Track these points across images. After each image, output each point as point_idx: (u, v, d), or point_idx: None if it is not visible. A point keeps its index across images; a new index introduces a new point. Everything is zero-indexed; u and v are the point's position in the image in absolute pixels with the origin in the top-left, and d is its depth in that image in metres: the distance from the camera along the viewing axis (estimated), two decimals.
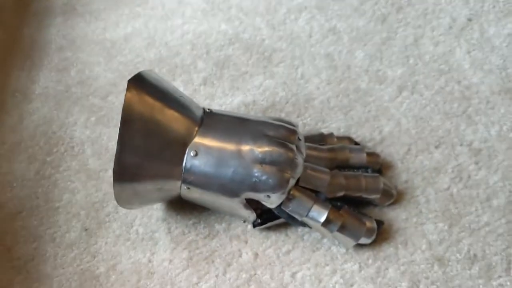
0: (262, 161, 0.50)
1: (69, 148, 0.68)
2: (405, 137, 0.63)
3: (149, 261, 0.56)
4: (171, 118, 0.52)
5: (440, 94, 0.67)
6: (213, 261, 0.56)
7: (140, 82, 0.51)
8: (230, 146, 0.51)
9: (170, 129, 0.51)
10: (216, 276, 0.54)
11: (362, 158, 0.59)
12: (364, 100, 0.68)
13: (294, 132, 0.53)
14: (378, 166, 0.60)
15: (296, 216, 0.53)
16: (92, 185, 0.63)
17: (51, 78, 0.76)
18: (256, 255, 0.56)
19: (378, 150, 0.63)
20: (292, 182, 0.52)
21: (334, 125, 0.66)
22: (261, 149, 0.51)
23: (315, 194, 0.53)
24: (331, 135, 0.62)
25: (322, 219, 0.52)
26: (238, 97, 0.70)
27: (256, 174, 0.50)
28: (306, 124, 0.66)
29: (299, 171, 0.52)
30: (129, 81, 0.50)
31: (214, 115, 0.55)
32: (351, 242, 0.54)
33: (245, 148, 0.51)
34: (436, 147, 0.62)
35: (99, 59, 0.78)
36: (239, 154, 0.51)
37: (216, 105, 0.70)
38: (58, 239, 0.59)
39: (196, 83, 0.72)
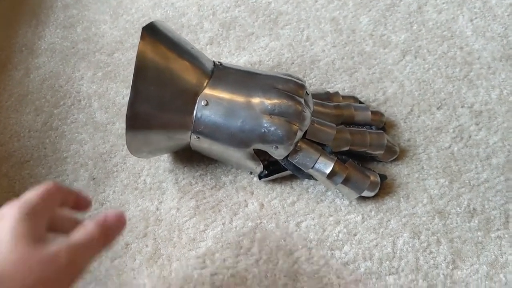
0: (271, 112, 0.52)
1: (76, 101, 0.68)
2: (408, 99, 0.65)
3: (157, 209, 0.57)
4: (183, 68, 0.52)
5: (442, 59, 0.69)
6: (219, 210, 0.57)
7: (153, 31, 0.52)
8: (240, 98, 0.52)
9: (182, 78, 0.52)
10: (223, 224, 0.56)
11: (367, 116, 0.60)
12: (369, 62, 0.69)
13: (302, 86, 0.54)
14: (382, 125, 0.61)
15: (302, 168, 0.54)
16: (99, 137, 0.64)
17: (57, 35, 0.77)
18: (261, 205, 0.57)
19: (382, 110, 0.64)
20: (299, 134, 0.53)
21: (339, 86, 0.67)
22: (270, 101, 0.52)
23: (321, 148, 0.55)
24: (336, 93, 0.63)
25: (328, 170, 0.54)
26: (244, 56, 0.71)
27: (265, 125, 0.51)
28: (311, 84, 0.67)
29: (306, 123, 0.53)
30: (143, 29, 0.51)
31: (225, 68, 0.55)
32: (354, 194, 0.56)
33: (255, 99, 0.52)
34: (438, 108, 0.64)
35: (105, 17, 0.78)
36: (248, 105, 0.52)
37: None
38: None
39: (203, 43, 0.73)
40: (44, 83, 0.71)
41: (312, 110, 0.56)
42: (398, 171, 0.59)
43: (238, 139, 0.53)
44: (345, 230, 0.55)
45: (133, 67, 0.49)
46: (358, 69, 0.68)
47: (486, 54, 0.69)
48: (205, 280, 0.52)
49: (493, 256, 0.52)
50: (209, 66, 0.55)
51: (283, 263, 0.53)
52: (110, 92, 0.69)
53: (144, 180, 0.60)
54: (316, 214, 0.56)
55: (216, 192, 0.58)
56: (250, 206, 0.57)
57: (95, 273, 0.53)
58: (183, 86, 0.52)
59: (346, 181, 0.55)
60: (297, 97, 0.53)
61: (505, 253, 0.52)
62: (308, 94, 0.56)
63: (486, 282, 0.50)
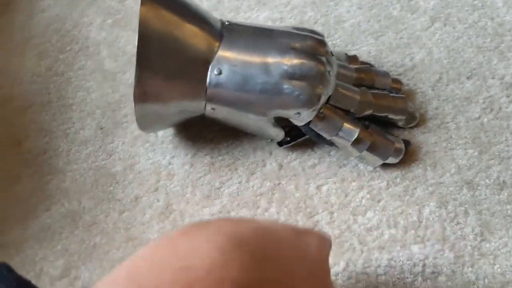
0: (291, 76, 0.47)
1: (83, 47, 0.64)
2: (436, 66, 0.62)
3: (169, 163, 0.54)
4: (191, 34, 0.47)
5: (473, 28, 0.65)
6: (236, 169, 0.54)
7: None
8: (255, 61, 0.48)
9: (191, 46, 0.47)
10: (239, 183, 0.53)
11: (387, 82, 0.57)
12: (396, 27, 0.65)
13: (322, 42, 0.50)
14: (401, 93, 0.58)
15: (325, 135, 0.51)
16: (108, 86, 0.60)
17: None
18: (280, 166, 0.54)
19: (409, 76, 0.61)
20: (323, 99, 0.49)
21: (365, 48, 0.63)
22: (289, 63, 0.48)
23: (345, 113, 0.52)
24: (355, 57, 0.59)
25: (353, 138, 0.50)
26: (264, 12, 0.67)
27: (286, 91, 0.47)
28: (335, 45, 0.64)
29: (331, 88, 0.50)
30: None
31: (235, 27, 0.50)
32: (378, 161, 0.53)
33: (272, 62, 0.47)
34: (468, 78, 0.61)
35: None
36: (266, 69, 0.47)
37: (241, 19, 0.67)
38: (71, 136, 0.56)
39: None
40: (49, 27, 0.66)
41: (335, 72, 0.52)
42: (425, 139, 0.56)
43: (256, 108, 0.48)
44: (368, 196, 0.52)
45: None
46: (384, 32, 0.65)
47: None
48: None
49: None
50: (218, 26, 0.49)
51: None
52: (120, 40, 0.64)
53: (156, 133, 0.56)
54: (338, 178, 0.53)
55: (232, 150, 0.55)
56: (268, 166, 0.54)
57: (102, 226, 0.50)
58: (193, 54, 0.47)
59: (370, 148, 0.51)
60: (318, 56, 0.49)
61: None
62: (332, 55, 0.52)
63: None
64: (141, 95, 0.45)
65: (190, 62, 0.47)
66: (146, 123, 0.49)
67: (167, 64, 0.46)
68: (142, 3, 0.45)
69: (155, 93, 0.46)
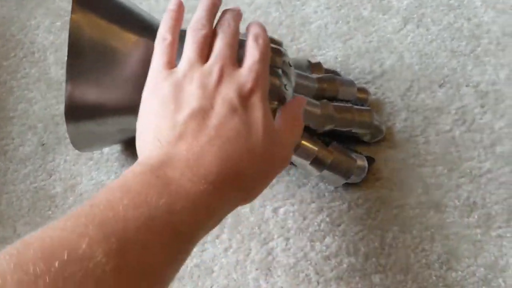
0: None
1: (29, 53, 0.59)
2: (407, 73, 0.57)
3: None
4: (131, 44, 0.42)
5: (447, 30, 0.61)
6: None
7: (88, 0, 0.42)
8: None
9: (131, 57, 0.42)
10: None
11: (352, 92, 0.53)
12: (366, 29, 0.61)
13: (279, 52, 0.45)
14: (367, 104, 0.54)
15: None
16: (52, 96, 0.56)
17: None
18: None
19: (377, 84, 0.57)
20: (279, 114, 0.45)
21: (331, 53, 0.59)
22: None
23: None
24: (318, 64, 0.55)
25: (311, 157, 0.46)
26: None
27: None
28: (300, 50, 0.59)
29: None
30: (75, 1, 0.40)
31: (184, 35, 0.45)
32: (340, 181, 0.49)
33: None
34: (440, 85, 0.56)
35: None
36: None
37: None
38: (10, 153, 0.52)
39: None
40: None
41: (294, 84, 0.47)
42: (391, 154, 0.52)
43: None
44: (328, 219, 0.48)
45: None
46: (353, 35, 0.60)
47: (496, 28, 0.61)
48: None
49: (493, 258, 0.46)
50: None
51: (255, 254, 0.46)
52: None
53: (101, 149, 0.52)
54: (296, 199, 0.49)
55: None
56: None
57: None
58: (133, 67, 0.42)
59: (330, 167, 0.47)
60: (274, 68, 0.44)
61: (505, 254, 0.46)
62: (290, 66, 0.47)
63: (484, 287, 0.44)
64: (73, 112, 0.41)
65: (130, 76, 0.42)
66: (81, 143, 0.45)
67: (103, 77, 0.41)
68: (73, 11, 0.40)
69: (89, 110, 0.42)
